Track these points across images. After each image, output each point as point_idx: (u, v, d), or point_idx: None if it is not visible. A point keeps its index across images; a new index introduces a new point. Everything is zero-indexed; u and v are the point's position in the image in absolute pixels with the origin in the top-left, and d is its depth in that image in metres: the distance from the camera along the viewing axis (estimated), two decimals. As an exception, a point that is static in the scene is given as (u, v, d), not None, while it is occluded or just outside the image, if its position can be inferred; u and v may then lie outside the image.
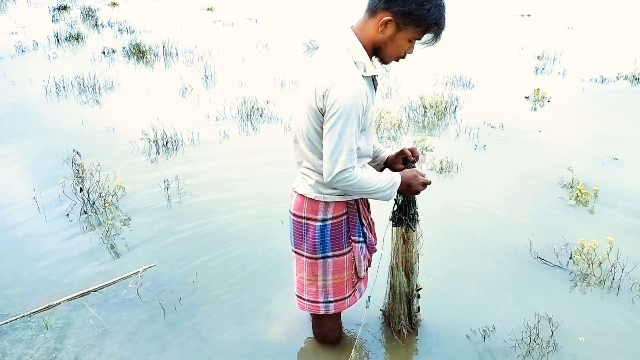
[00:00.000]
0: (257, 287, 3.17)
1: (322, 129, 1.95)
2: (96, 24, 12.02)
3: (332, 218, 2.16)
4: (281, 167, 4.72)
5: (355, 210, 2.22)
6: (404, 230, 2.40)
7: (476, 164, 4.81)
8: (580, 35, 11.24)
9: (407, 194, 2.21)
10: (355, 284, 2.37)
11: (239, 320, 2.91)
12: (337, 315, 2.49)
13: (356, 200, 2.20)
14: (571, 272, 3.30)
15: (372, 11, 1.92)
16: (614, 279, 3.17)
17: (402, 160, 2.31)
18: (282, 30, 11.64)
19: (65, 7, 14.21)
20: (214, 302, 3.04)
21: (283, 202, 4.20)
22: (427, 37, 1.95)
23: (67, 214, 3.95)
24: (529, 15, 13.74)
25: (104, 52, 9.22)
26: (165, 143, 5.17)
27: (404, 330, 2.67)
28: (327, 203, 2.13)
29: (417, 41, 1.97)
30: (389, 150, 2.40)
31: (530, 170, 4.72)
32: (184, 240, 3.67)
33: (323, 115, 1.93)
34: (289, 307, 2.95)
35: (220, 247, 3.59)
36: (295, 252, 2.31)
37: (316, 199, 2.12)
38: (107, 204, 3.99)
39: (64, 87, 7.06)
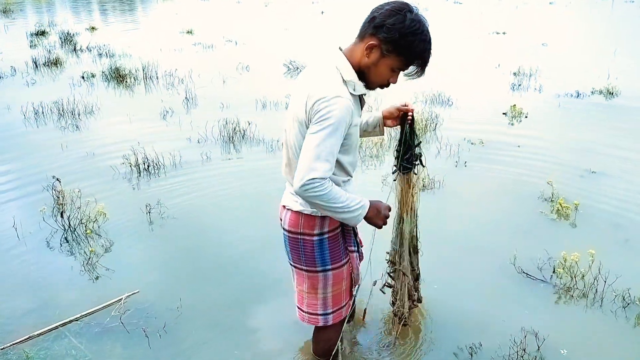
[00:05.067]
0: (244, 311, 3.14)
1: None
2: (75, 49, 11.98)
3: (329, 231, 2.18)
4: (264, 188, 4.73)
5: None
6: (409, 174, 2.47)
7: (458, 180, 4.85)
8: (555, 51, 11.50)
9: (376, 222, 2.14)
10: (351, 293, 2.40)
11: (227, 345, 2.87)
12: (339, 327, 2.47)
13: None
14: (555, 285, 3.33)
15: (361, 36, 2.00)
16: (596, 292, 3.21)
17: (400, 120, 2.38)
18: (262, 51, 11.72)
19: (43, 33, 14.14)
20: (200, 327, 3.00)
21: (266, 223, 4.18)
22: (411, 69, 2.01)
23: (48, 242, 3.89)
24: (504, 33, 14.03)
25: (83, 77, 9.18)
26: (146, 167, 5.13)
27: (409, 301, 2.71)
28: (323, 217, 2.14)
29: (401, 72, 2.03)
30: (379, 112, 2.44)
31: (510, 185, 4.78)
32: (167, 266, 3.63)
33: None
34: (279, 328, 2.96)
35: (204, 271, 3.57)
36: (294, 267, 2.31)
37: (312, 214, 2.13)
38: (88, 231, 3.94)
39: (42, 112, 7.00)
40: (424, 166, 2.48)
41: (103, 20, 18.82)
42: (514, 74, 9.21)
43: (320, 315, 2.34)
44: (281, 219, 2.29)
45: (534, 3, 22.53)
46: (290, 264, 2.33)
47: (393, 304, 2.78)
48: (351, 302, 2.43)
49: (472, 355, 2.74)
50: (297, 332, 2.88)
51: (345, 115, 1.91)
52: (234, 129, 6.11)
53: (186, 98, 7.75)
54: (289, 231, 2.21)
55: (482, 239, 3.92)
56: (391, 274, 2.74)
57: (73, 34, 13.29)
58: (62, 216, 4.02)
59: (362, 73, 2.01)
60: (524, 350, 2.69)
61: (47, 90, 8.32)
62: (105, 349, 2.83)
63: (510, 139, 5.95)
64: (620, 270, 3.29)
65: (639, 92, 7.89)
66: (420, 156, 2.46)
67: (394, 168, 2.49)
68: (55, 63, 10.33)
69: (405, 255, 2.64)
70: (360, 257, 2.41)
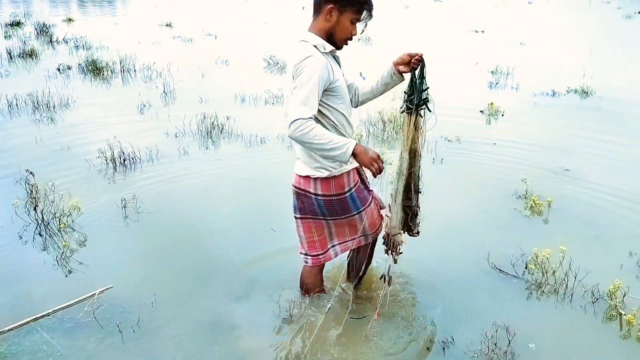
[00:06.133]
0: (220, 306, 3.12)
1: None
2: (51, 40, 11.78)
3: (355, 185, 2.64)
4: (241, 183, 4.72)
5: (362, 170, 2.75)
6: (415, 116, 2.63)
7: (434, 177, 4.87)
8: (532, 50, 11.65)
9: (363, 159, 2.34)
10: (381, 214, 2.87)
11: (203, 340, 2.87)
12: (372, 249, 3.01)
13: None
14: (527, 281, 3.39)
15: (317, 9, 2.45)
16: (567, 287, 3.27)
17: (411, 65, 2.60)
18: (242, 46, 11.67)
19: (18, 23, 13.89)
20: (175, 323, 2.98)
21: (243, 219, 4.18)
22: (364, 15, 2.46)
23: (20, 236, 3.83)
24: (483, 32, 14.17)
25: (59, 69, 9.04)
26: (122, 161, 5.08)
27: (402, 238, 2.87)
28: (348, 173, 2.58)
29: (357, 23, 2.47)
30: (389, 62, 2.70)
31: (486, 182, 4.84)
32: (142, 261, 3.61)
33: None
34: (258, 325, 2.97)
35: (179, 265, 3.55)
36: (334, 219, 2.71)
37: (338, 174, 2.53)
38: (62, 225, 3.89)
39: (17, 105, 6.87)
40: (430, 110, 2.67)
41: (81, 11, 18.52)
42: (492, 72, 9.32)
43: (362, 236, 2.81)
44: (302, 187, 2.62)
45: (512, 2, 22.78)
46: (327, 220, 2.71)
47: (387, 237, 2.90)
48: (382, 226, 2.87)
49: (444, 349, 2.78)
50: (276, 328, 2.91)
51: (318, 68, 2.31)
52: (213, 124, 6.08)
53: (164, 92, 7.68)
54: (323, 195, 2.58)
55: (456, 235, 3.96)
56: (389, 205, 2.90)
57: (49, 25, 13.06)
58: (35, 210, 3.97)
59: (330, 35, 2.45)
60: (495, 344, 2.73)
61: (21, 82, 8.18)
62: (78, 344, 2.80)
63: (486, 137, 6.02)
64: (590, 266, 3.36)
65: (613, 92, 8.04)
66: (428, 101, 2.65)
67: (402, 108, 2.68)
68: (31, 54, 10.16)
69: (400, 189, 2.76)
70: None
